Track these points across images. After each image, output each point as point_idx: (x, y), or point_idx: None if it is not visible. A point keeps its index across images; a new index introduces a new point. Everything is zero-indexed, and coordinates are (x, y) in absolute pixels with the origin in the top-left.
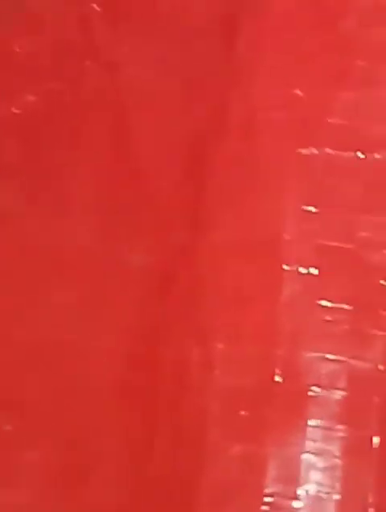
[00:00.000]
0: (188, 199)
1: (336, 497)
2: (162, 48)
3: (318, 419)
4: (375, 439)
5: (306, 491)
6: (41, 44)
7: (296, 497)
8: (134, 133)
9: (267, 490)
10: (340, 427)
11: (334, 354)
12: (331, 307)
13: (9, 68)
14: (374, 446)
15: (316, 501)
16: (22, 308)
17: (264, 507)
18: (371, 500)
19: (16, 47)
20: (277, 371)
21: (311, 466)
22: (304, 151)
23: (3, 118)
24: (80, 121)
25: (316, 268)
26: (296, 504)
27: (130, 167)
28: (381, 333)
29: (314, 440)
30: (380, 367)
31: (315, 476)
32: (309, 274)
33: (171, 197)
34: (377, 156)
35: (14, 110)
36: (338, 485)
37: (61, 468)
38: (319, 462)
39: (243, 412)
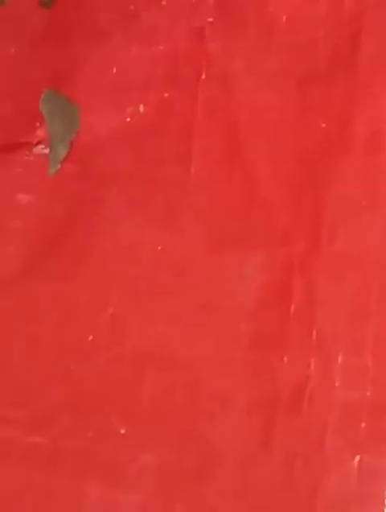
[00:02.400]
0: (306, 211)
1: None
2: (277, 60)
3: None
4: None
5: None
6: (155, 55)
7: None
8: (248, 145)
9: None
10: None
11: None
12: None
13: (124, 77)
14: None
15: None
16: (131, 316)
17: None
18: None
19: (131, 57)
20: None
21: None
22: None
23: (117, 128)
24: (192, 132)
25: None
26: None
27: (244, 179)
28: None
29: None
30: None
31: None
32: None
33: (288, 209)
34: None
35: (128, 120)
36: None
37: (175, 472)
38: None
39: (363, 424)
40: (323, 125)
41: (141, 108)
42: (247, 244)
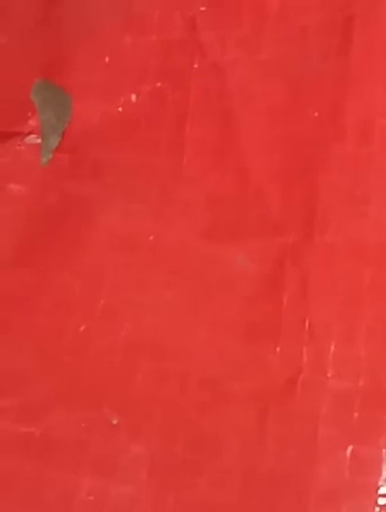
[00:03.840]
0: (299, 201)
1: None
2: (270, 49)
3: None
4: None
5: None
6: (148, 44)
7: None
8: (241, 135)
9: (380, 491)
10: None
11: None
12: None
13: (117, 67)
14: None
15: None
16: (124, 306)
17: (376, 508)
18: None
19: (124, 47)
20: None
21: None
22: None
23: (109, 118)
24: (185, 122)
25: None
26: None
27: (237, 168)
28: None
29: None
30: None
31: None
32: None
33: (281, 199)
34: None
35: (120, 109)
36: None
37: (167, 463)
38: None
39: (356, 414)
40: (316, 114)
41: (134, 97)
42: (240, 234)
